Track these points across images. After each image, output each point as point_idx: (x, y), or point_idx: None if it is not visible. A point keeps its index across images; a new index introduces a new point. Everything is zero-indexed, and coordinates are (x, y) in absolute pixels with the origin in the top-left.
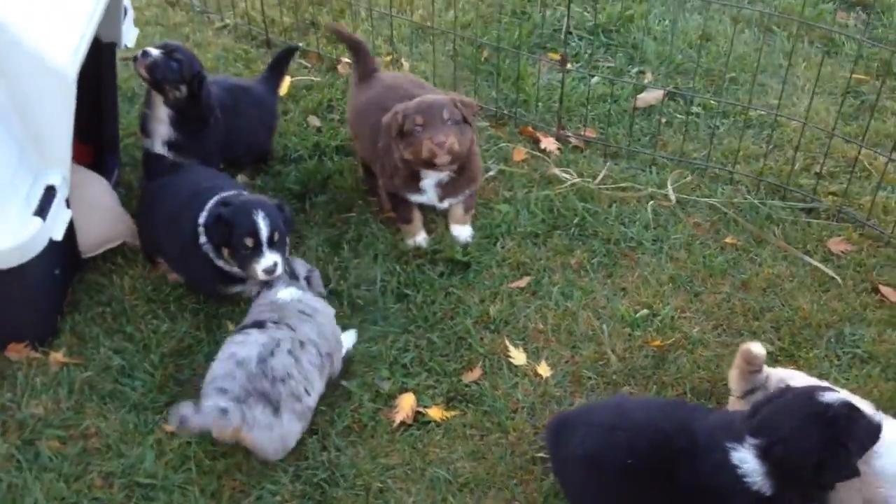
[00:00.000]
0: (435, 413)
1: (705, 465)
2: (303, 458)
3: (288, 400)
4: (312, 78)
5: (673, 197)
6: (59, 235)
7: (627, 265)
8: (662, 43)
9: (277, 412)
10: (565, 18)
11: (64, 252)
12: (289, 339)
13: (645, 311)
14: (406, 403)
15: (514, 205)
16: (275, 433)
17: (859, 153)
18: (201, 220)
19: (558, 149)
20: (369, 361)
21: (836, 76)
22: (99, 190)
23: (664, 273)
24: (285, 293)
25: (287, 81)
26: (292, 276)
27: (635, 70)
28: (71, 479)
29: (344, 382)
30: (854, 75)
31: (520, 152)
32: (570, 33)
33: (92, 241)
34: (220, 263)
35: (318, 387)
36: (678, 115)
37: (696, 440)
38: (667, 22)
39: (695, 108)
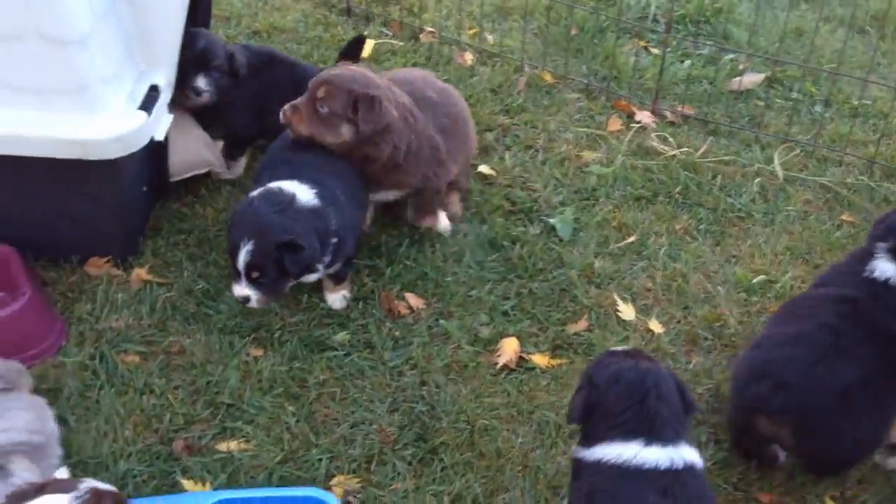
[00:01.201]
0: (540, 360)
1: None
2: (400, 390)
3: None
4: (394, 42)
5: (780, 173)
6: (160, 136)
7: (737, 234)
8: (753, 34)
9: None
10: (651, 5)
11: (153, 170)
12: None
13: (762, 277)
14: (509, 347)
15: (612, 170)
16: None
17: None
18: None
19: (654, 122)
20: (468, 305)
21: None
22: (187, 116)
23: (779, 244)
24: None
25: (369, 44)
26: None
27: (728, 57)
28: (150, 392)
29: (442, 321)
30: None
31: (615, 122)
32: (657, 21)
33: (180, 164)
34: None
35: None
36: (778, 100)
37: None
38: (754, 17)
39: (795, 94)
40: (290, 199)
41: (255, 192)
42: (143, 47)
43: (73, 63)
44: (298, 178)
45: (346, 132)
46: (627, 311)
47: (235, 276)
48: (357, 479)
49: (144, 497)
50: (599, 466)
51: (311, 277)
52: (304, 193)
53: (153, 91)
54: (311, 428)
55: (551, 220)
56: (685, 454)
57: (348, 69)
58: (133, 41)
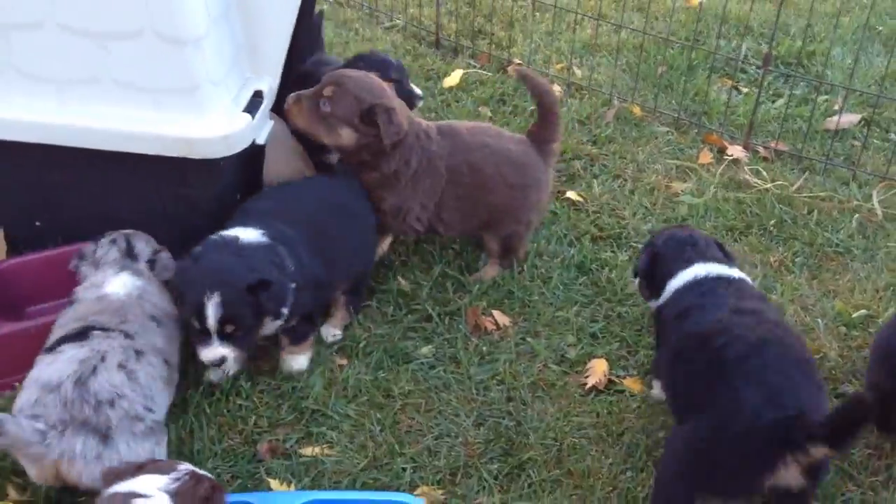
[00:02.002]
0: (630, 383)
1: None
2: (486, 404)
3: (122, 424)
4: (483, 73)
5: (880, 211)
6: (262, 140)
7: (835, 269)
8: (850, 78)
9: (108, 440)
10: (742, 46)
11: (248, 179)
12: (119, 349)
13: (863, 311)
14: (599, 369)
15: (703, 200)
16: (107, 464)
17: None
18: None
19: (747, 157)
20: (555, 325)
21: None
22: (281, 126)
23: (880, 280)
24: (117, 284)
25: (458, 74)
26: (130, 255)
27: (822, 98)
28: (236, 394)
29: (529, 340)
30: None
31: (706, 156)
32: (748, 61)
33: (273, 173)
34: None
35: (163, 400)
36: (875, 140)
37: None
38: (850, 61)
39: (892, 136)
40: (235, 242)
41: (196, 248)
42: (249, 55)
43: (187, 63)
44: (242, 225)
45: (345, 136)
46: None
47: (202, 338)
48: (441, 491)
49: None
50: (676, 295)
51: (269, 328)
52: (247, 234)
53: (257, 97)
54: (396, 437)
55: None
56: (738, 272)
57: (364, 73)
58: (241, 48)
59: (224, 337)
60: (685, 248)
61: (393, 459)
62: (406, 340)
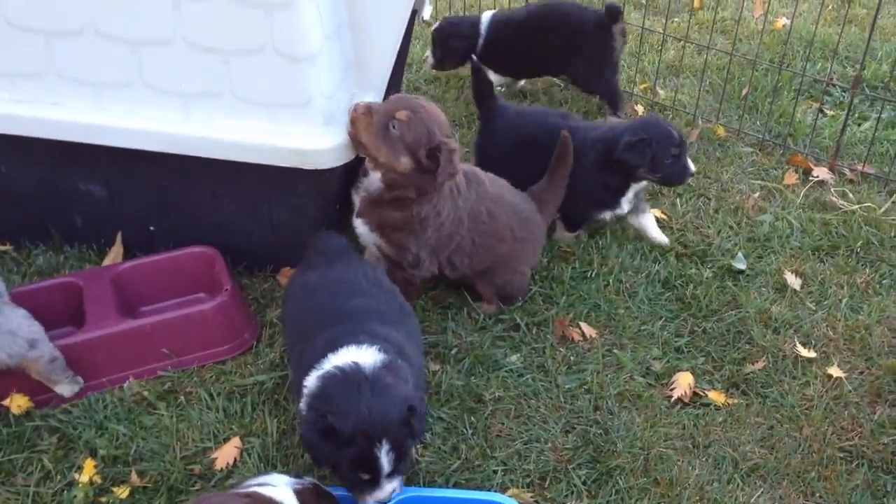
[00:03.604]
0: (716, 396)
1: None
2: (574, 413)
3: None
4: (567, 92)
5: None
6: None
7: None
8: None
9: None
10: (829, 69)
11: (347, 191)
12: None
13: None
14: (684, 381)
15: (786, 221)
16: None
17: None
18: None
19: (832, 178)
20: (640, 339)
21: None
22: None
23: None
24: None
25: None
26: None
27: None
28: None
29: (615, 352)
30: None
31: (790, 177)
32: (833, 84)
33: None
34: None
35: None
36: None
37: None
38: None
39: None
40: (363, 373)
41: (315, 393)
42: (357, 71)
43: (302, 78)
44: (352, 343)
45: (403, 164)
46: (808, 357)
47: (368, 484)
48: (531, 494)
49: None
50: None
51: None
52: (365, 357)
53: None
54: (487, 441)
55: (734, 263)
56: None
57: (436, 107)
58: (350, 64)
59: (389, 475)
60: None
61: (485, 461)
62: (495, 348)
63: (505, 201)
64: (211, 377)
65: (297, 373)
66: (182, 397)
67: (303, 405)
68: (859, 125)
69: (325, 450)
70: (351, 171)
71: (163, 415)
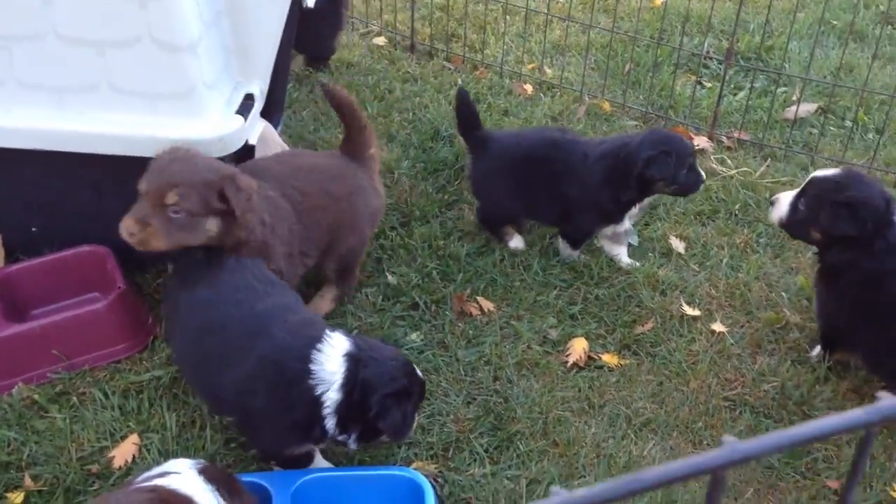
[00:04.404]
0: (609, 359)
1: None
2: (475, 384)
3: None
4: (457, 75)
5: None
6: (253, 140)
7: (797, 248)
8: (806, 70)
9: None
10: (704, 43)
11: None
12: None
13: None
14: (579, 346)
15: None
16: None
17: None
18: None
19: (712, 146)
20: (536, 309)
21: None
22: (270, 128)
23: None
24: None
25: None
26: None
27: (781, 90)
28: None
29: (513, 323)
30: None
31: None
32: (709, 56)
33: None
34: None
35: None
36: (831, 128)
37: None
38: (806, 54)
39: (848, 123)
40: (363, 349)
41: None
42: (239, 59)
43: (183, 68)
44: (325, 339)
45: (211, 228)
46: (692, 315)
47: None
48: (435, 465)
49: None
50: None
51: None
52: (342, 344)
53: (248, 99)
54: None
55: None
56: None
57: (185, 153)
58: (231, 53)
59: None
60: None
61: None
62: (395, 328)
63: (305, 170)
64: (105, 376)
65: (231, 377)
66: (75, 398)
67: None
68: (735, 95)
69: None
70: (239, 161)
71: (55, 417)
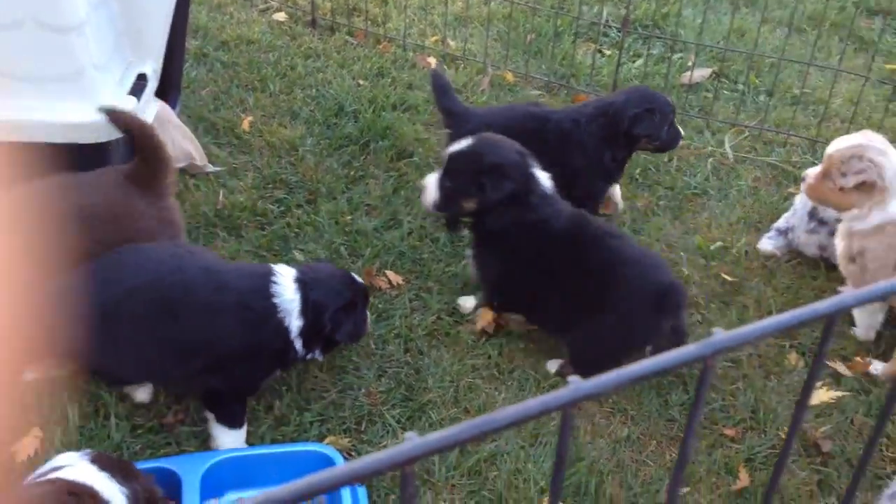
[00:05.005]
0: (516, 325)
1: None
2: (386, 357)
3: None
4: (360, 50)
5: (731, 155)
6: (149, 121)
7: (694, 209)
8: (700, 34)
9: None
10: (603, 12)
11: None
12: None
13: (719, 243)
14: (487, 315)
15: None
16: None
17: None
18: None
19: None
20: (446, 281)
21: (866, 66)
22: (167, 109)
23: (733, 215)
24: None
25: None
26: None
27: (677, 56)
28: None
29: (423, 295)
30: (888, 65)
31: None
32: (610, 25)
33: None
34: None
35: None
36: (725, 91)
37: None
38: (699, 20)
39: (740, 86)
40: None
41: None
42: (130, 39)
43: (71, 49)
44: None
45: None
46: None
47: None
48: (348, 439)
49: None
50: None
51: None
52: (288, 272)
53: (141, 79)
54: (302, 395)
55: None
56: None
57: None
58: (121, 33)
59: None
60: None
61: (301, 415)
62: None
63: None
64: None
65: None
66: None
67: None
68: (633, 62)
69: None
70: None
71: None
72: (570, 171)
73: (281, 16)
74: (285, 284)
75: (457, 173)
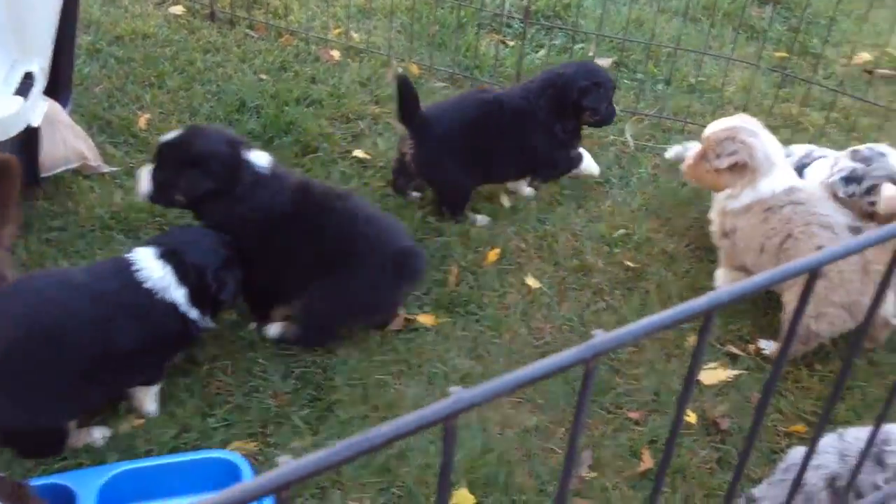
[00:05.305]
0: (425, 319)
1: None
2: (293, 357)
3: None
4: (261, 43)
5: (631, 143)
6: (36, 122)
7: (597, 197)
8: (599, 26)
9: None
10: (505, 3)
11: (24, 164)
12: None
13: (622, 231)
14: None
15: None
16: None
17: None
18: None
19: None
20: None
21: (757, 54)
22: (57, 108)
23: (634, 202)
24: None
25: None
26: None
27: (578, 46)
28: None
29: None
30: (777, 53)
31: None
32: (512, 16)
33: (52, 159)
34: None
35: None
36: (625, 81)
37: None
38: (599, 10)
39: (639, 75)
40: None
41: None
42: (14, 35)
43: None
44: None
45: None
46: (504, 269)
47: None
48: (254, 443)
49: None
50: None
51: None
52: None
53: (28, 78)
54: (205, 400)
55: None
56: None
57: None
58: (5, 30)
59: None
60: None
61: (204, 421)
62: None
63: None
64: None
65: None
66: None
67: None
68: (536, 52)
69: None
70: (24, 145)
71: None
72: (529, 148)
73: (178, 9)
74: (147, 265)
75: (166, 165)
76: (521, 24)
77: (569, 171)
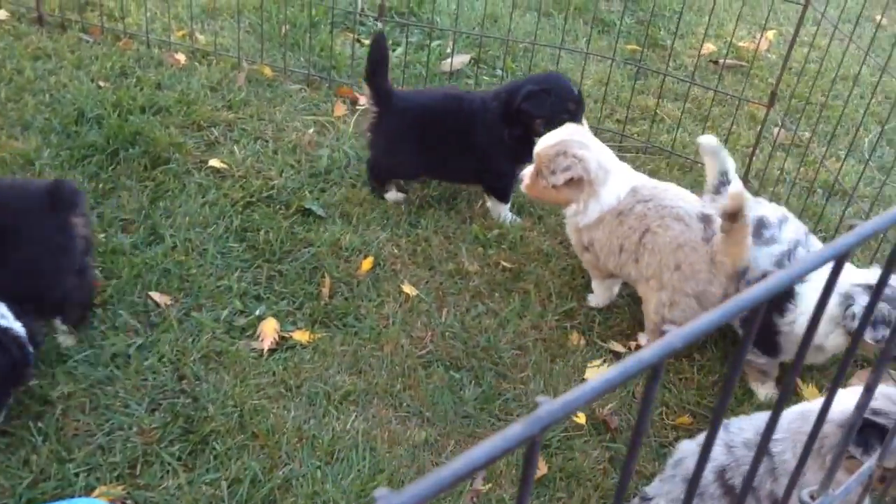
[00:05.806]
0: (300, 336)
1: None
2: (157, 388)
3: None
4: (98, 48)
5: None
6: None
7: (468, 198)
8: (455, 23)
9: None
10: (358, 0)
11: None
12: None
13: (496, 231)
14: (269, 328)
15: (342, 152)
16: None
17: (657, 104)
18: None
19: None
20: (218, 296)
21: (611, 48)
22: None
23: None
24: None
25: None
26: None
27: (435, 43)
28: None
29: (193, 314)
30: (628, 46)
31: (339, 108)
32: (366, 14)
33: None
34: None
35: None
36: (485, 77)
37: None
38: (454, 6)
39: (498, 71)
40: None
41: None
42: None
43: None
44: None
45: None
46: (380, 278)
47: None
48: (122, 486)
49: None
50: None
51: None
52: None
53: None
54: (63, 444)
55: (305, 204)
56: None
57: None
58: None
59: None
60: None
61: (63, 467)
62: (49, 340)
63: None
64: None
65: None
66: None
67: None
68: (394, 50)
69: None
70: None
71: None
72: (477, 149)
73: (1, 14)
74: None
75: None
76: (376, 22)
77: (511, 185)
